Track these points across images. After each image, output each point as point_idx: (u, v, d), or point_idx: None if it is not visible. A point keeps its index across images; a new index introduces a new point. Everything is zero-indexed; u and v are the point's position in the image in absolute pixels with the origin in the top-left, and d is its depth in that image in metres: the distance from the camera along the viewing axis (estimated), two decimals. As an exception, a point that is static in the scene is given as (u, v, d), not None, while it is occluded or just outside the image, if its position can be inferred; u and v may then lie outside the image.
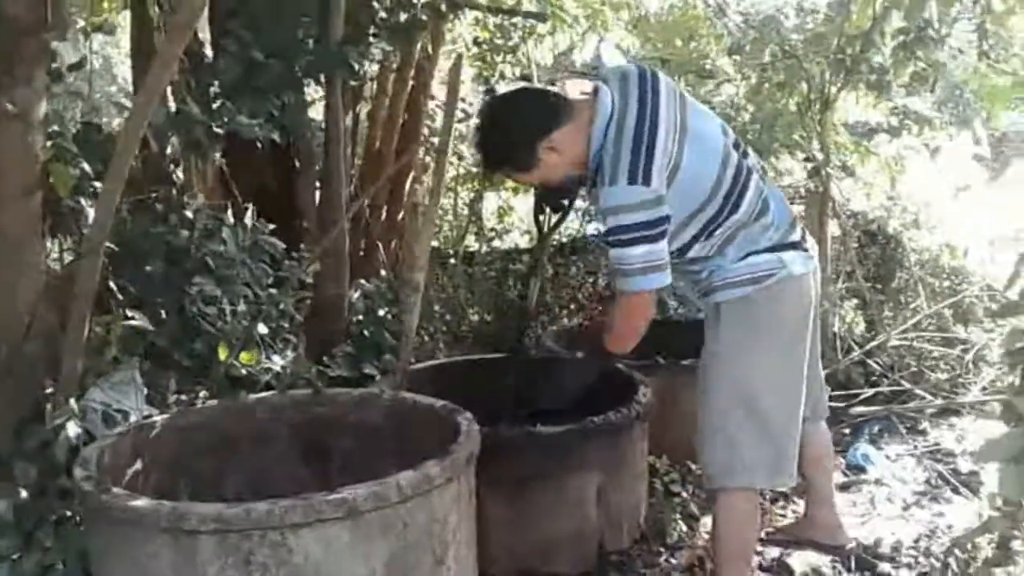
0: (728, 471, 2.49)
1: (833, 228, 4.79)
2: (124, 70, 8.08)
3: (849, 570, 3.02)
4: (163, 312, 3.05)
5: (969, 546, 2.94)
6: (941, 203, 5.15)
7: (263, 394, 2.78)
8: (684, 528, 3.16)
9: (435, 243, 6.42)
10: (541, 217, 2.88)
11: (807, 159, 4.60)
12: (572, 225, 5.95)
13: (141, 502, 1.89)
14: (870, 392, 4.22)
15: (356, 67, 3.75)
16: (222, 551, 1.86)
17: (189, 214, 3.25)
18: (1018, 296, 1.96)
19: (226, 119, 3.20)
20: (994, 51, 4.25)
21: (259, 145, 3.59)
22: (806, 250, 2.53)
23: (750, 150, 2.60)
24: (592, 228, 5.57)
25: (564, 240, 5.85)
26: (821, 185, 4.45)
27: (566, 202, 2.79)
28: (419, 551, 2.04)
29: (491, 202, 6.22)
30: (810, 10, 5.08)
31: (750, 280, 2.43)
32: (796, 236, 2.54)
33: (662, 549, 3.08)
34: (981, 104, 5.27)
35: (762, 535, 3.13)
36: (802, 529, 3.10)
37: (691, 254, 2.47)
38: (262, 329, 2.91)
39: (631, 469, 2.98)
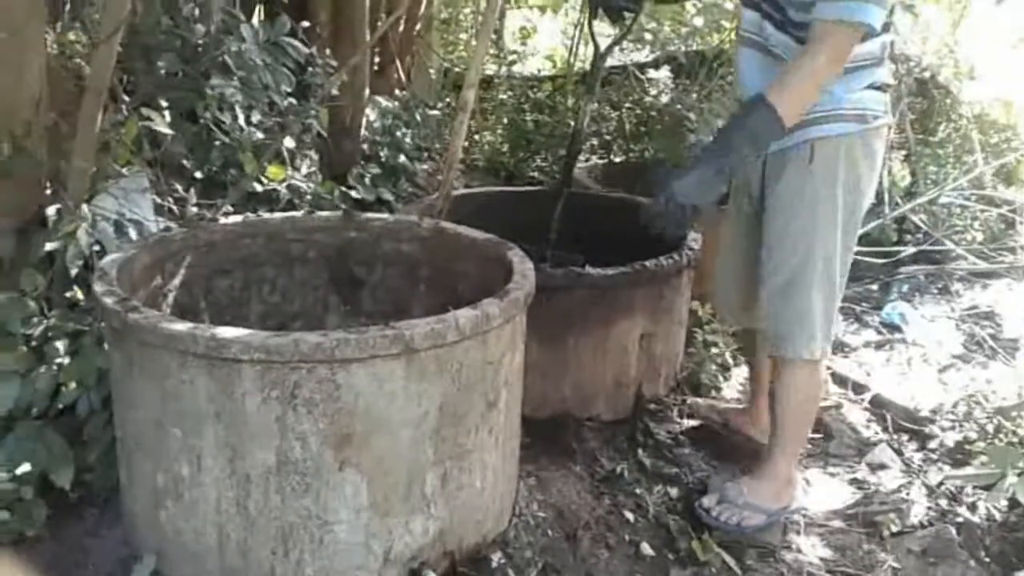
0: (802, 336, 2.22)
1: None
2: None
3: (887, 430, 2.94)
4: (169, 115, 2.76)
5: (1014, 414, 2.85)
6: (1001, 53, 4.81)
7: (291, 213, 2.55)
8: (721, 380, 3.04)
9: (448, 64, 6.04)
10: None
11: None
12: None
13: (175, 325, 1.69)
14: (912, 250, 4.04)
15: None
16: (265, 383, 1.68)
17: (197, 10, 2.90)
18: None
19: None
20: None
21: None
22: None
23: None
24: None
25: (587, 69, 5.47)
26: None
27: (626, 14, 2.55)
28: (473, 393, 1.89)
29: (513, 20, 5.77)
30: None
31: (857, 117, 2.13)
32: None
33: (697, 399, 2.97)
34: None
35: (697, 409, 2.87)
36: (741, 422, 2.74)
37: None
38: (288, 143, 2.64)
39: (675, 317, 2.82)
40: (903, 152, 4.51)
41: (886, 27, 2.10)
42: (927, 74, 4.75)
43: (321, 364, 1.68)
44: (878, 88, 2.16)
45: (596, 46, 2.70)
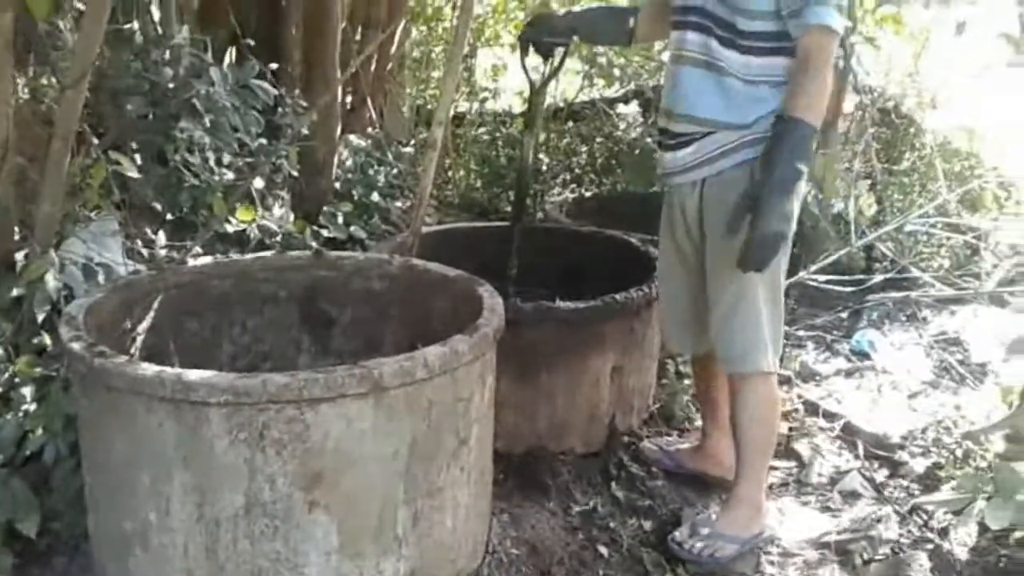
0: (755, 351, 2.28)
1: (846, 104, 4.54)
2: None
3: (858, 458, 2.96)
4: (139, 158, 2.77)
5: (982, 438, 2.88)
6: (962, 82, 4.91)
7: (261, 254, 2.56)
8: (694, 410, 3.06)
9: (420, 101, 6.09)
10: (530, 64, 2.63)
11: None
12: (570, 88, 5.63)
13: (141, 369, 1.69)
14: (880, 278, 4.09)
15: None
16: (233, 425, 1.68)
17: (167, 54, 2.93)
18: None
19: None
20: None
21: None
22: None
23: None
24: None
25: (560, 104, 5.54)
26: (843, 57, 4.18)
27: (559, 49, 2.59)
28: (443, 431, 1.89)
29: (485, 58, 5.84)
30: None
31: None
32: None
33: (670, 431, 2.99)
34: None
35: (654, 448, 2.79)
36: (694, 460, 2.73)
37: (755, 58, 2.17)
38: (258, 183, 2.66)
39: (646, 349, 2.84)
40: (869, 181, 4.59)
41: None
42: (890, 104, 4.84)
43: (289, 404, 1.68)
44: None
45: (531, 82, 2.71)
